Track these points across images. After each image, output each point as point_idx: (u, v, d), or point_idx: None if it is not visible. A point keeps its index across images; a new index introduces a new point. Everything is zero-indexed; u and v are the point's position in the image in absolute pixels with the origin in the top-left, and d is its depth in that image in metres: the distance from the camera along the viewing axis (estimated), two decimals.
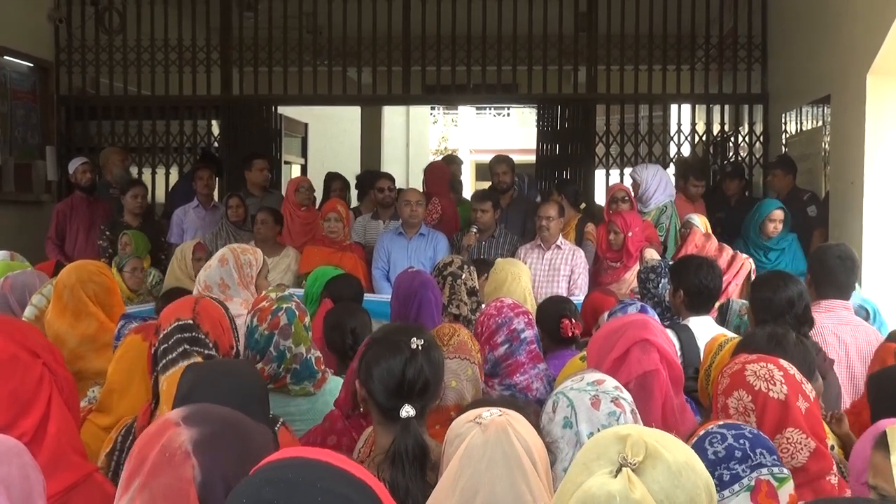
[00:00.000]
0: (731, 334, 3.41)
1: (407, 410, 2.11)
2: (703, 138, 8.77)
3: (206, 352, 2.50)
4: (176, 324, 2.52)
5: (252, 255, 3.77)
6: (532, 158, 10.02)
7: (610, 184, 8.14)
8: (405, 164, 17.44)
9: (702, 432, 1.99)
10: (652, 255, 5.70)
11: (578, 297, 4.87)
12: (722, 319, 4.17)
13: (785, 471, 1.92)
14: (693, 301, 3.86)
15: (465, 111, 26.49)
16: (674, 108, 10.23)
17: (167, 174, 8.95)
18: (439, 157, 13.29)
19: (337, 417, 2.82)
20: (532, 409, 2.15)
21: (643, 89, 8.69)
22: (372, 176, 7.76)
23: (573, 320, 3.79)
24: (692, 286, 3.84)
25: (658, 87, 8.69)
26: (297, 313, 3.03)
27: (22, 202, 8.19)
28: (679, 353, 3.16)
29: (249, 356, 2.93)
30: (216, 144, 9.14)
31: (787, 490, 1.91)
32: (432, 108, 22.87)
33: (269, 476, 1.28)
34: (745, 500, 1.89)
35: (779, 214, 5.97)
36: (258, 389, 2.15)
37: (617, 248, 5.87)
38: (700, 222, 6.04)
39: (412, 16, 8.74)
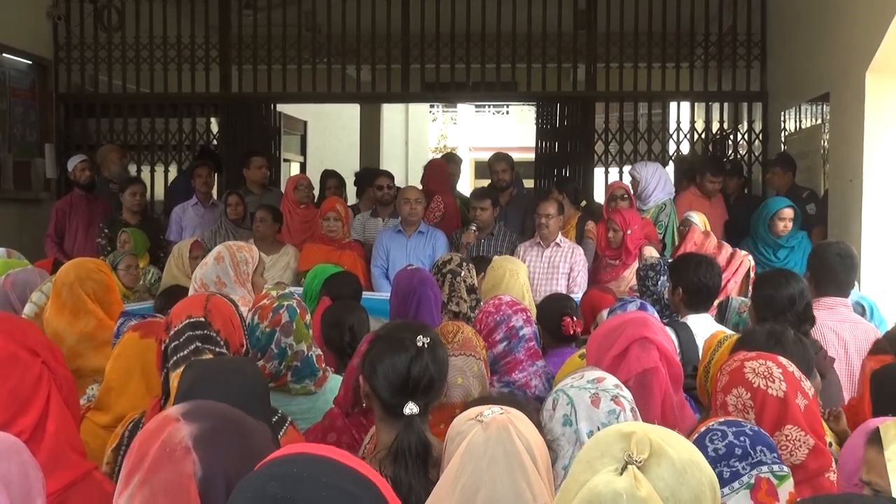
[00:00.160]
0: (729, 332, 3.42)
1: (411, 408, 2.11)
2: (703, 136, 8.77)
3: (217, 349, 2.50)
4: (187, 321, 2.52)
5: (248, 253, 3.77)
6: (531, 156, 10.02)
7: (609, 182, 8.15)
8: (404, 162, 17.43)
9: (702, 429, 1.99)
10: (651, 252, 5.70)
11: (577, 295, 4.87)
12: (721, 317, 4.17)
13: (785, 468, 1.93)
14: (692, 299, 3.86)
15: (465, 109, 26.46)
16: (673, 105, 10.24)
17: (166, 172, 8.95)
18: (439, 155, 13.26)
19: (337, 415, 2.82)
20: (533, 406, 2.15)
21: (642, 87, 8.69)
22: (371, 174, 7.75)
23: (574, 318, 3.79)
24: (691, 284, 3.85)
25: (657, 85, 8.69)
26: (298, 311, 3.03)
27: (21, 200, 8.18)
28: (678, 351, 3.16)
29: (250, 354, 2.93)
30: (215, 142, 9.13)
31: (786, 488, 1.91)
32: (431, 106, 22.86)
33: (273, 471, 1.29)
34: (745, 498, 1.89)
35: (788, 213, 5.92)
36: (259, 388, 2.15)
37: (616, 246, 5.87)
38: (699, 220, 6.03)
39: (411, 13, 8.74)
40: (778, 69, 8.12)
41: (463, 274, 4.27)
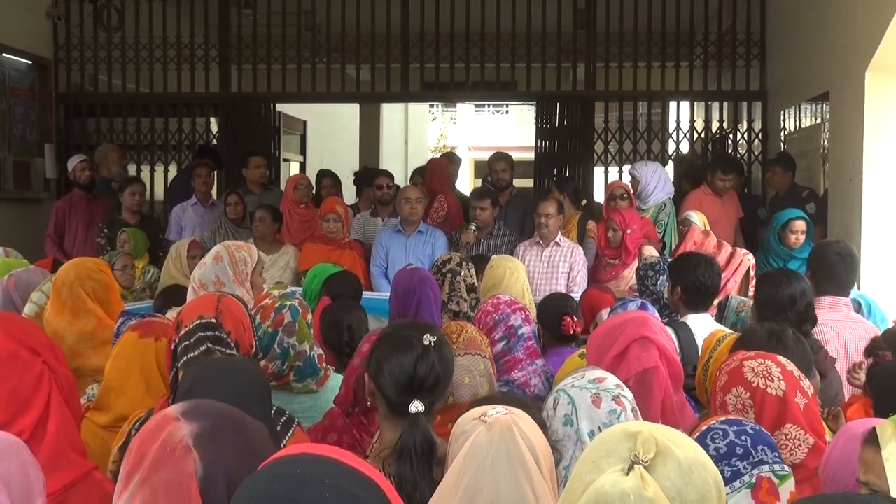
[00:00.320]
0: (728, 330, 3.42)
1: (416, 406, 2.11)
2: (703, 135, 8.77)
3: (228, 351, 2.50)
4: (198, 321, 2.52)
5: (247, 253, 3.76)
6: (531, 155, 10.02)
7: (609, 181, 8.14)
8: (404, 162, 17.43)
9: (703, 428, 1.99)
10: (650, 252, 5.70)
11: (577, 295, 4.87)
12: (720, 316, 4.17)
13: (786, 468, 1.93)
14: (691, 298, 3.87)
15: (464, 108, 26.46)
16: (673, 104, 10.24)
17: (166, 172, 8.95)
18: (438, 155, 13.26)
19: (337, 415, 2.82)
20: (537, 407, 2.15)
21: (642, 86, 8.69)
22: (369, 173, 7.75)
23: (575, 318, 3.79)
24: (690, 283, 3.85)
25: (657, 84, 8.68)
26: (300, 310, 3.03)
27: (21, 200, 8.18)
28: (678, 351, 3.16)
29: (259, 355, 2.93)
30: (215, 142, 9.13)
31: (787, 487, 1.91)
32: (431, 106, 22.87)
33: (277, 472, 1.29)
34: (746, 497, 1.89)
35: (801, 225, 5.60)
36: (260, 388, 2.15)
37: (616, 246, 5.87)
38: (698, 219, 6.03)
39: (411, 13, 8.74)
40: (778, 68, 8.12)
41: (463, 273, 4.27)
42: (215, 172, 7.80)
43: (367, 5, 8.72)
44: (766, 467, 1.91)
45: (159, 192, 8.85)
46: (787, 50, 7.72)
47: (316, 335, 3.48)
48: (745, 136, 8.56)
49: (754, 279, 5.05)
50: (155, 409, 2.51)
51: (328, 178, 7.66)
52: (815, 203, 6.58)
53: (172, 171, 8.93)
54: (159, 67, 8.87)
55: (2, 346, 2.08)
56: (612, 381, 2.21)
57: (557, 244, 5.92)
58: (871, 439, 1.92)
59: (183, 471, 1.49)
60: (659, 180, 6.70)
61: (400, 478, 2.04)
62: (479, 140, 25.84)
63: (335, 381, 3.07)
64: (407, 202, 6.19)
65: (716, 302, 4.24)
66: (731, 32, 8.62)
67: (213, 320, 2.52)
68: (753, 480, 1.89)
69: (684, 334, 3.55)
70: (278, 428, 2.34)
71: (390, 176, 7.10)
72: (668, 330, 3.16)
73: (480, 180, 7.71)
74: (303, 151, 14.12)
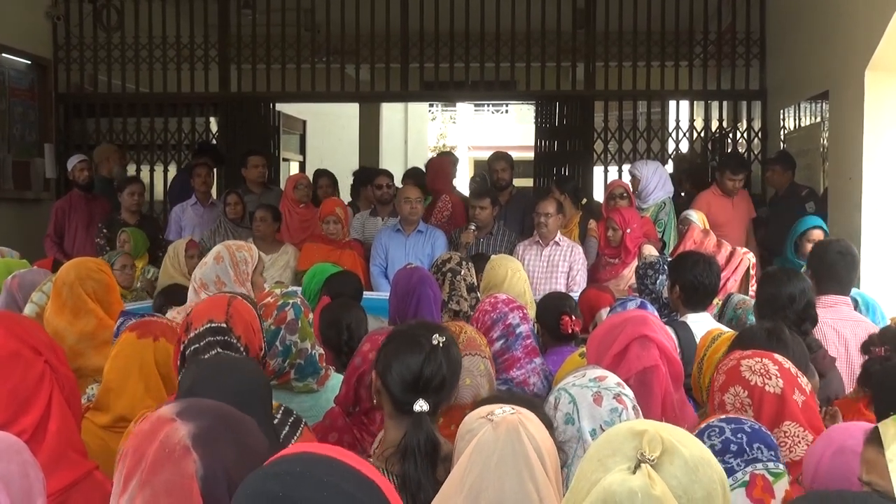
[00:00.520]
0: (726, 329, 3.41)
1: (421, 405, 2.11)
2: (702, 135, 8.77)
3: (237, 356, 2.50)
4: (209, 325, 2.51)
5: (247, 252, 3.76)
6: (530, 155, 10.02)
7: (608, 180, 8.14)
8: (403, 161, 17.42)
9: (703, 426, 2.00)
10: (650, 251, 5.70)
11: (577, 294, 4.87)
12: (722, 314, 4.18)
13: (781, 466, 1.93)
14: (690, 297, 3.87)
15: (464, 108, 26.47)
16: (672, 104, 10.24)
17: (165, 171, 8.95)
18: (435, 154, 13.26)
19: (338, 415, 2.82)
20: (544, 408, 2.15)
21: (641, 86, 8.69)
22: (367, 173, 7.75)
23: (573, 317, 3.79)
24: (688, 282, 3.85)
25: (656, 84, 8.69)
26: (302, 309, 3.04)
27: (20, 200, 8.19)
28: (678, 350, 3.16)
29: (267, 356, 2.93)
30: (214, 141, 9.13)
31: (782, 486, 1.91)
32: (431, 105, 22.85)
33: (276, 469, 1.29)
34: (741, 496, 1.89)
35: (818, 234, 5.44)
36: (261, 388, 2.15)
37: (615, 245, 5.87)
38: (698, 218, 6.03)
39: (410, 12, 8.74)
40: (777, 67, 8.12)
41: (463, 273, 4.27)
42: (215, 172, 7.80)
43: (367, 5, 8.72)
44: (759, 465, 1.91)
45: (159, 192, 8.85)
46: (787, 49, 7.72)
47: (315, 334, 3.48)
48: (745, 135, 8.56)
49: (754, 278, 5.05)
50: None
51: (325, 178, 7.66)
52: (815, 202, 6.58)
53: (172, 171, 8.93)
54: (159, 67, 8.88)
55: (4, 344, 2.08)
56: (612, 379, 2.21)
57: (557, 243, 5.92)
58: (874, 439, 1.92)
59: (184, 472, 1.49)
60: (659, 180, 6.70)
61: (404, 477, 2.05)
62: (478, 139, 25.85)
63: (336, 380, 3.07)
64: (407, 202, 6.19)
65: (717, 301, 4.24)
66: (731, 31, 8.62)
67: (224, 325, 2.52)
68: (747, 478, 1.89)
69: (684, 333, 3.55)
70: (286, 428, 2.33)
71: (390, 175, 7.09)
72: (668, 329, 3.16)
73: (470, 178, 7.68)
74: (302, 151, 14.13)
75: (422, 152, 18.76)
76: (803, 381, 2.31)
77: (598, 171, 8.98)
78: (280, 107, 10.37)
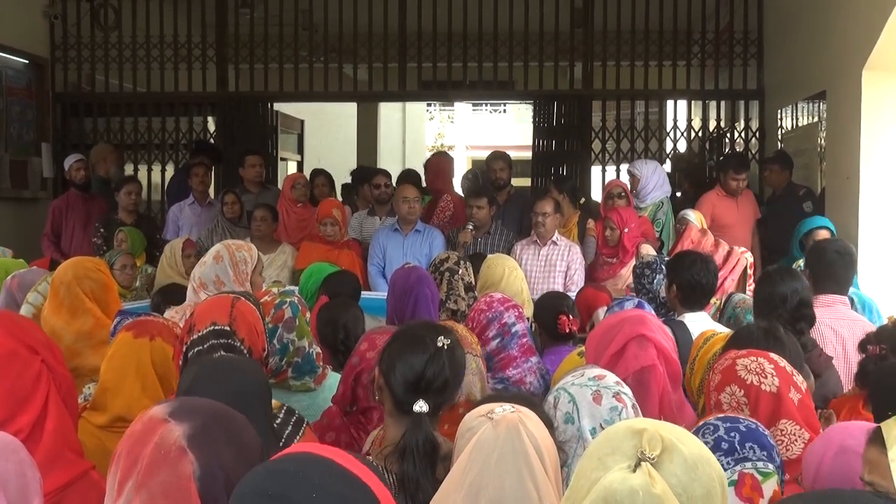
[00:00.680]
0: (722, 329, 3.41)
1: (420, 405, 2.12)
2: (699, 134, 8.78)
3: (238, 356, 2.50)
4: (212, 328, 2.51)
5: (247, 252, 3.76)
6: (528, 155, 10.02)
7: (606, 180, 8.15)
8: (401, 161, 17.43)
9: (700, 423, 2.00)
10: (648, 250, 5.71)
11: (574, 294, 4.87)
12: (722, 313, 4.18)
13: (770, 467, 1.92)
14: (687, 297, 3.87)
15: (462, 107, 26.47)
16: (670, 104, 10.24)
17: (163, 171, 8.94)
18: (430, 154, 13.26)
19: (335, 414, 2.82)
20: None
21: (639, 85, 8.70)
22: (365, 172, 7.74)
23: (571, 316, 3.79)
24: (685, 282, 3.86)
25: (654, 83, 8.69)
26: (300, 307, 3.04)
27: (18, 199, 8.17)
28: (676, 350, 3.16)
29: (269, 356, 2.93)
30: (212, 141, 9.12)
31: (771, 485, 1.91)
32: (428, 105, 22.87)
33: (272, 468, 1.30)
34: (730, 495, 1.88)
35: (823, 234, 5.34)
36: (260, 387, 2.15)
37: (613, 245, 5.87)
38: (695, 218, 6.03)
39: (408, 12, 8.74)
40: (775, 67, 8.12)
41: (460, 272, 4.27)
42: (212, 172, 7.79)
43: (365, 4, 8.71)
44: (749, 464, 1.91)
45: (156, 191, 8.84)
46: (785, 49, 7.72)
47: (313, 334, 3.48)
48: (743, 134, 8.57)
49: (752, 278, 5.06)
50: None
51: (321, 177, 7.66)
52: (813, 202, 6.59)
53: (169, 170, 8.92)
54: (156, 67, 8.87)
55: (1, 343, 2.08)
56: (611, 378, 2.22)
57: (554, 243, 5.92)
58: (876, 439, 1.92)
59: (180, 473, 1.48)
60: (658, 179, 6.71)
61: (403, 476, 2.06)
62: (476, 139, 25.86)
63: (333, 379, 3.07)
64: (405, 201, 6.18)
65: (714, 301, 4.24)
66: (729, 31, 8.62)
67: (227, 328, 2.52)
68: (736, 477, 1.90)
69: (681, 333, 3.55)
70: (289, 428, 2.33)
71: (388, 175, 7.08)
72: (666, 329, 3.16)
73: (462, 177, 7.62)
74: (300, 150, 14.13)
75: (419, 152, 18.76)
76: (799, 379, 2.32)
77: (595, 170, 8.98)
78: (278, 106, 10.37)
